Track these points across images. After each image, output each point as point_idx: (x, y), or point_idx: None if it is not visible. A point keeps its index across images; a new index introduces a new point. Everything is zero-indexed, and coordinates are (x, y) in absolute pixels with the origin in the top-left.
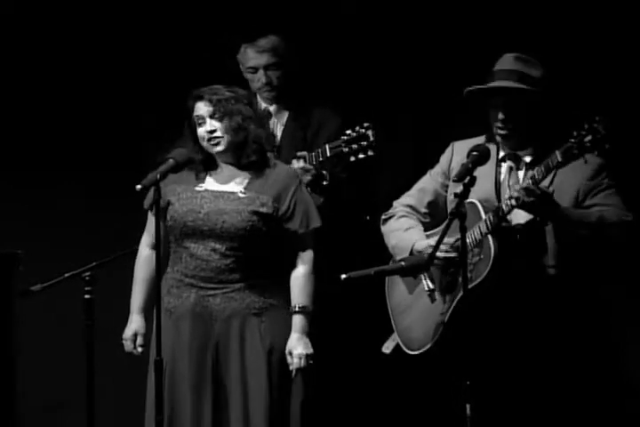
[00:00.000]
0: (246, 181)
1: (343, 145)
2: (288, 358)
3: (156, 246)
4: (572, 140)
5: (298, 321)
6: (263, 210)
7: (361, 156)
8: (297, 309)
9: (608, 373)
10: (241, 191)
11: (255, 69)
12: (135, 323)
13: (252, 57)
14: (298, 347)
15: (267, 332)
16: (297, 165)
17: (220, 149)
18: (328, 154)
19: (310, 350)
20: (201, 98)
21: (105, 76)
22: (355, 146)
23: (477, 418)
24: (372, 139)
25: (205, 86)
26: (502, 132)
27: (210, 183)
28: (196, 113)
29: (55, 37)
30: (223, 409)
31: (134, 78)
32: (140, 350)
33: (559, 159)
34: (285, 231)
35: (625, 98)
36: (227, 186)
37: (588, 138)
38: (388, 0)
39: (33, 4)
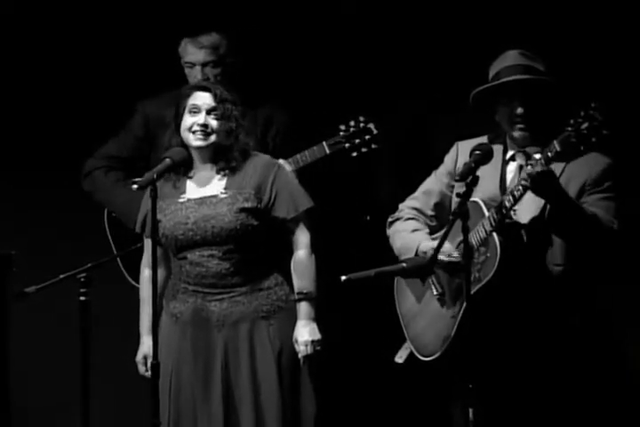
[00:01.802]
0: (225, 179)
1: (343, 141)
2: (295, 346)
3: (153, 247)
4: (569, 129)
5: (302, 308)
6: (248, 205)
7: (364, 150)
8: (299, 296)
9: (612, 376)
10: (221, 192)
11: (192, 65)
12: (145, 346)
13: (191, 52)
14: (304, 334)
15: (275, 334)
16: None
17: (202, 144)
18: (327, 151)
19: (317, 336)
20: (205, 89)
21: (105, 75)
22: (357, 140)
23: (480, 422)
24: (375, 132)
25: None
26: (521, 126)
27: (190, 191)
28: (192, 101)
29: (55, 37)
30: (233, 414)
31: (134, 78)
32: (150, 372)
33: (557, 149)
34: (275, 220)
35: (626, 90)
36: (207, 190)
37: (585, 125)
38: (388, 0)
39: (33, 3)
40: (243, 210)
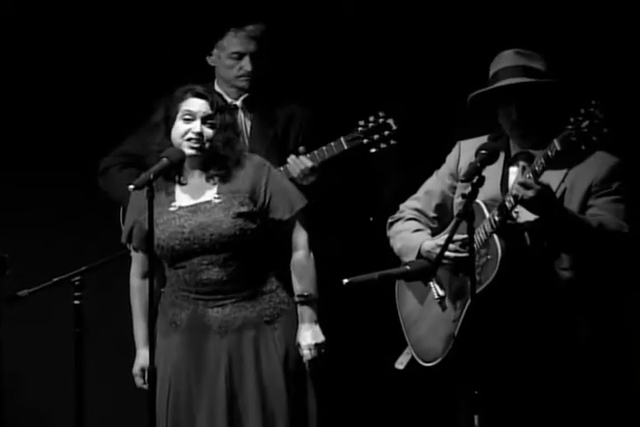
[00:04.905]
0: (217, 183)
1: (362, 136)
2: (300, 350)
3: (149, 249)
4: (570, 127)
5: (303, 311)
6: (244, 209)
7: (382, 146)
8: (299, 298)
9: (622, 383)
10: (215, 197)
11: (240, 55)
12: (141, 358)
13: (240, 42)
14: (307, 337)
15: (280, 339)
16: (301, 165)
17: (194, 153)
18: (345, 147)
19: (321, 339)
20: (201, 96)
21: (104, 76)
22: (376, 136)
23: None
24: (394, 127)
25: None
26: (520, 130)
27: (181, 198)
28: (187, 107)
29: (55, 37)
30: (237, 424)
31: (134, 78)
32: (147, 380)
33: (557, 148)
34: (272, 222)
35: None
36: (199, 196)
37: (586, 123)
38: (388, 0)
39: (33, 4)
40: (240, 215)
